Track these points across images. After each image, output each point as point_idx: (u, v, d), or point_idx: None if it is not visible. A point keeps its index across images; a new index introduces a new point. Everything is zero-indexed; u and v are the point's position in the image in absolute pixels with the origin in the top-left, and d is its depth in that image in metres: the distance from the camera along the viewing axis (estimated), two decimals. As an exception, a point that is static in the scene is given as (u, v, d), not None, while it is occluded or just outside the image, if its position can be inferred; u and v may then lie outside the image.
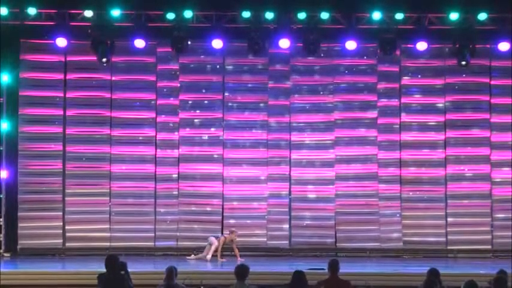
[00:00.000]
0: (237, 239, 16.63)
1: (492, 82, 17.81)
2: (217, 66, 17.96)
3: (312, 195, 17.80)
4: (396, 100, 17.95)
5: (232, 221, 17.61)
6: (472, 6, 16.16)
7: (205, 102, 17.99)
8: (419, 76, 17.95)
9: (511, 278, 8.63)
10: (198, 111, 17.96)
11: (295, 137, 17.89)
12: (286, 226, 17.78)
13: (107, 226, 17.57)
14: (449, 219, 17.67)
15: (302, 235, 17.75)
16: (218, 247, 16.32)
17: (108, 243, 17.39)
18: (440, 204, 17.71)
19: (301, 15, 16.42)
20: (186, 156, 17.82)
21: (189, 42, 16.80)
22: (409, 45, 17.37)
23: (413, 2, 16.35)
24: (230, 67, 18.00)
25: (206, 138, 17.92)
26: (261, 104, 17.98)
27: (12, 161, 17.36)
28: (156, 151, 17.80)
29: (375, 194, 17.75)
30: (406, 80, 17.97)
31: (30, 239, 17.34)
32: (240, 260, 15.73)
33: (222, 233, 17.21)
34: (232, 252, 16.54)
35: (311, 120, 17.92)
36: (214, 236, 16.60)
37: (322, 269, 11.29)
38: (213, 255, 16.33)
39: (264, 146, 17.89)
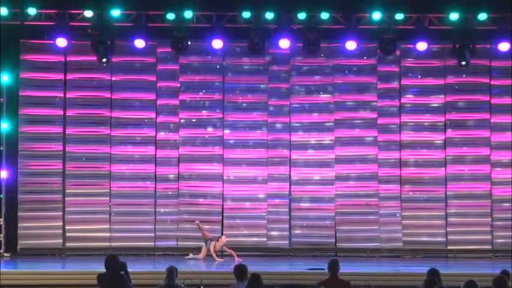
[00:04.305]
0: (226, 242, 16.64)
1: (492, 82, 17.80)
2: (217, 67, 17.96)
3: (312, 196, 17.79)
4: (396, 100, 17.95)
5: (232, 221, 17.65)
6: (472, 7, 16.16)
7: (205, 102, 17.99)
8: (419, 76, 17.95)
9: None
10: (198, 111, 17.96)
11: (295, 137, 17.90)
12: (286, 226, 17.78)
13: (107, 226, 17.58)
14: (449, 219, 17.68)
15: (302, 235, 17.75)
16: (211, 250, 16.34)
17: (108, 243, 17.40)
18: (440, 204, 17.72)
19: (301, 15, 16.43)
20: (186, 156, 17.83)
21: (189, 43, 16.77)
22: (409, 46, 17.39)
23: (413, 2, 16.36)
24: (230, 67, 18.01)
25: (206, 138, 17.93)
26: (261, 104, 17.98)
27: (12, 161, 17.36)
28: (156, 151, 17.80)
29: (375, 194, 17.76)
30: (406, 80, 17.96)
31: (30, 239, 17.35)
32: (237, 260, 15.77)
33: (222, 233, 17.25)
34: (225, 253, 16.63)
35: (311, 120, 17.92)
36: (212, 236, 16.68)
37: (322, 269, 11.30)
38: (207, 255, 16.42)
39: (264, 146, 17.89)
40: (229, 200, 17.79)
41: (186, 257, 16.54)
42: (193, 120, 17.95)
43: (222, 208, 17.75)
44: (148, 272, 13.67)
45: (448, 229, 17.67)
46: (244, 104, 18.00)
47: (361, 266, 15.28)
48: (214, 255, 16.32)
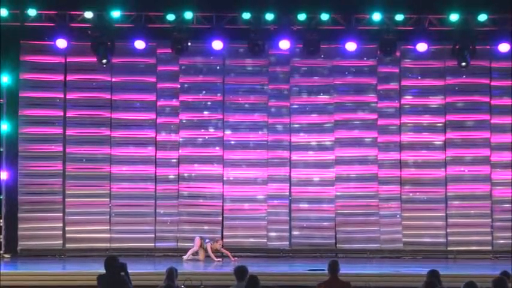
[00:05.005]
0: (223, 245, 16.72)
1: (492, 83, 17.80)
2: (218, 68, 17.96)
3: (312, 196, 17.79)
4: (396, 101, 17.95)
5: (232, 222, 17.66)
6: (472, 7, 16.15)
7: (206, 103, 17.99)
8: (419, 77, 17.94)
9: None
10: (198, 112, 17.95)
11: (295, 138, 17.89)
12: (286, 227, 17.77)
13: (107, 227, 17.57)
14: (449, 220, 17.67)
15: (302, 236, 17.75)
16: (208, 251, 16.36)
17: (108, 244, 17.39)
18: (440, 205, 17.71)
19: (301, 16, 16.43)
20: (186, 157, 17.83)
21: (189, 44, 16.77)
22: (409, 46, 17.39)
23: (413, 3, 16.34)
24: (230, 68, 18.01)
25: (206, 139, 17.93)
26: (261, 105, 17.98)
27: (12, 162, 17.36)
28: (156, 152, 17.80)
29: (375, 195, 17.75)
30: (406, 81, 17.96)
31: (30, 240, 17.34)
32: (234, 260, 15.87)
33: (222, 235, 17.27)
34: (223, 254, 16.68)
35: (311, 122, 17.92)
36: (199, 237, 16.61)
37: (322, 270, 11.29)
38: (206, 256, 16.42)
39: (264, 147, 17.89)
40: (229, 201, 17.79)
41: (184, 257, 16.43)
42: (193, 121, 17.95)
43: (222, 209, 17.74)
44: (149, 273, 13.67)
45: (448, 230, 17.66)
46: (244, 105, 18.00)
47: (361, 267, 15.29)
48: (212, 256, 16.32)
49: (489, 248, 17.55)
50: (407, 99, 17.97)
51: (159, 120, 17.87)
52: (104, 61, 16.62)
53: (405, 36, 16.85)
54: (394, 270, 14.91)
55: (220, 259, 16.35)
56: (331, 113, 17.91)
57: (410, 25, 16.74)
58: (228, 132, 17.91)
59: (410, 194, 17.83)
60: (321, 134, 17.91)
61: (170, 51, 17.05)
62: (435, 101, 17.91)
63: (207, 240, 16.58)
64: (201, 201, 17.78)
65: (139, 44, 16.68)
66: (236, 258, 16.23)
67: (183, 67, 17.89)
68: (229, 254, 16.48)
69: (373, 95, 17.94)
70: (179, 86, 17.89)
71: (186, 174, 17.84)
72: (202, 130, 17.94)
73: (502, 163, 17.74)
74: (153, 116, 17.85)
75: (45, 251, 17.31)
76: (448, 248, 17.62)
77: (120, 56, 17.38)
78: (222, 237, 17.22)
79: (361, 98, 17.98)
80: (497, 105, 17.78)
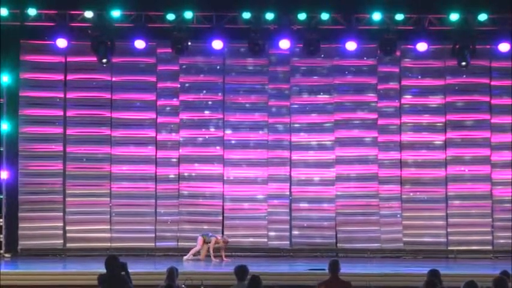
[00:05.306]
0: (224, 246, 16.59)
1: (492, 83, 17.81)
2: (218, 67, 17.97)
3: (312, 196, 17.79)
4: (396, 101, 17.96)
5: (232, 222, 17.65)
6: (472, 7, 16.17)
7: (206, 103, 17.99)
8: (419, 77, 17.95)
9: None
10: (198, 111, 17.95)
11: (296, 138, 17.90)
12: (287, 227, 17.78)
13: (108, 227, 17.58)
14: (450, 220, 17.67)
15: (303, 236, 17.75)
16: (210, 247, 16.30)
17: (109, 244, 17.40)
18: (440, 205, 17.72)
19: (301, 16, 16.43)
20: (186, 156, 17.83)
21: (190, 43, 16.77)
22: (409, 46, 17.38)
23: (414, 3, 16.36)
24: (230, 68, 18.01)
25: (206, 138, 17.93)
26: (261, 105, 17.98)
27: (12, 161, 17.37)
28: (156, 152, 17.80)
29: (376, 194, 17.76)
30: (406, 81, 17.96)
31: (30, 239, 17.35)
32: (225, 261, 15.91)
33: (222, 233, 17.24)
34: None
35: (311, 121, 17.92)
36: (201, 235, 16.55)
37: (323, 269, 11.29)
38: (206, 255, 16.36)
39: (265, 147, 17.89)
40: (229, 200, 17.79)
41: (185, 257, 16.39)
42: (194, 120, 17.95)
43: (223, 209, 17.74)
44: (149, 272, 13.66)
45: (448, 230, 17.67)
46: (245, 105, 18.00)
47: (362, 267, 15.26)
48: (212, 254, 16.27)
49: (489, 247, 17.56)
50: (407, 99, 17.97)
51: (160, 119, 17.87)
52: (104, 61, 16.61)
53: (405, 35, 16.85)
54: (395, 269, 14.88)
55: (218, 259, 16.27)
56: (331, 112, 17.92)
57: (410, 25, 16.74)
58: (228, 131, 17.91)
59: (411, 194, 17.83)
60: (321, 133, 17.91)
61: (170, 50, 17.04)
62: (435, 101, 17.92)
63: (210, 234, 16.52)
64: (202, 200, 17.79)
65: (140, 44, 16.67)
66: (227, 259, 16.17)
67: (183, 66, 17.90)
68: (223, 255, 16.39)
69: (373, 95, 17.94)
70: (179, 86, 17.89)
71: (186, 174, 17.85)
72: (203, 130, 17.95)
73: (502, 163, 17.75)
74: (153, 115, 17.85)
75: (46, 251, 17.31)
76: (449, 248, 17.63)
77: (120, 56, 17.37)
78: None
79: (361, 98, 17.98)
80: (497, 105, 17.79)
